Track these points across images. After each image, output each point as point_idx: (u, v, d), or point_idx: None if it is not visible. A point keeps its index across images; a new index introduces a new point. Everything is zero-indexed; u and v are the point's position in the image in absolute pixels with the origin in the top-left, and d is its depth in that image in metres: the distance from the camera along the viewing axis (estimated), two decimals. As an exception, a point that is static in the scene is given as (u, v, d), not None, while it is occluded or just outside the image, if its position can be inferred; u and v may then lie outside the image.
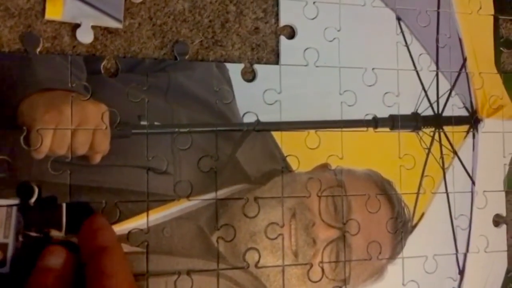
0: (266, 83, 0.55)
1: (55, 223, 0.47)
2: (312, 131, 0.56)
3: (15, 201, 0.47)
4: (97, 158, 0.49)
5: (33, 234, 0.47)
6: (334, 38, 0.57)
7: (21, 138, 0.47)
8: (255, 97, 0.54)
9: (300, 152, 0.55)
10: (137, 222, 0.50)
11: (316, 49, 0.56)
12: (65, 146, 0.48)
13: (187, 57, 0.53)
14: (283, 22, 0.56)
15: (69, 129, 0.48)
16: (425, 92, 0.60)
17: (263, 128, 0.54)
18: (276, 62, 0.56)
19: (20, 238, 0.47)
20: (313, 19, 0.56)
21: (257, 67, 0.55)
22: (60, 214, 0.47)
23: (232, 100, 0.54)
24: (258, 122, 0.54)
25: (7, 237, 0.46)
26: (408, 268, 0.57)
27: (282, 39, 0.56)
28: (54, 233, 0.47)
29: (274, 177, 0.54)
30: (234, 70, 0.54)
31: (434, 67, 0.61)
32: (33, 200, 0.47)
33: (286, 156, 0.55)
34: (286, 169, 0.55)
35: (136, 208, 0.50)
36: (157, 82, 0.52)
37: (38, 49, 0.49)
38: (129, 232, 0.50)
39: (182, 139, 0.52)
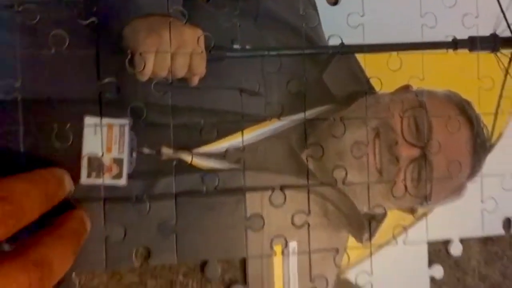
0: (349, 6, 0.56)
1: (165, 141, 0.51)
2: (394, 53, 0.57)
3: (126, 120, 0.50)
4: (195, 80, 0.52)
5: (146, 150, 0.51)
6: (415, -39, 0.58)
7: (126, 61, 0.50)
8: (339, 20, 0.56)
9: (383, 74, 0.57)
10: (233, 141, 0.53)
11: (397, -29, 0.58)
12: (166, 68, 0.51)
13: (274, -18, 0.55)
14: None
15: (169, 53, 0.51)
16: (503, 13, 0.61)
17: (348, 51, 0.56)
18: (359, -15, 0.57)
19: (134, 154, 0.51)
20: None
21: (340, -9, 0.57)
22: (169, 132, 0.51)
23: (317, 23, 0.56)
24: (342, 44, 0.56)
25: (122, 153, 0.50)
26: (487, 185, 0.59)
27: (364, -38, 0.57)
28: (165, 150, 0.51)
29: (358, 98, 0.57)
30: (319, -6, 0.56)
31: (511, -12, 0.61)
32: (142, 119, 0.50)
33: (370, 78, 0.57)
34: (370, 90, 0.57)
35: (231, 127, 0.53)
36: (247, 7, 0.54)
37: (137, -24, 0.51)
38: (226, 150, 0.53)
39: (272, 62, 0.54)
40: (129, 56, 0.50)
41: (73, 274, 0.49)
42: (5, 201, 0.37)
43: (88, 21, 0.49)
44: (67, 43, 0.49)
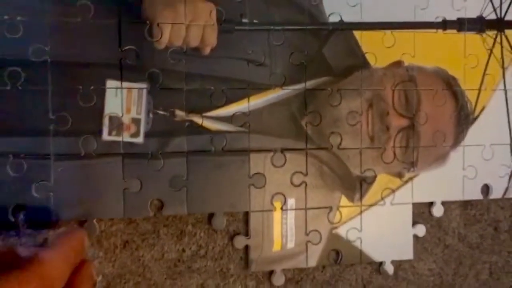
0: (349, -14, 0.62)
1: (178, 104, 0.56)
2: (388, 32, 0.63)
3: (144, 84, 0.56)
4: (207, 50, 0.57)
5: (161, 112, 0.56)
6: None
7: (145, 30, 0.55)
8: (340, -1, 0.62)
9: (377, 50, 0.62)
10: (240, 106, 0.59)
11: (394, -45, 0.63)
12: (181, 38, 0.56)
13: (280, -38, 0.60)
14: None
15: (184, 24, 0.56)
16: (490, -3, 0.66)
17: (346, 27, 0.61)
18: (358, -33, 0.62)
19: (151, 115, 0.56)
20: None
21: (341, -28, 0.62)
22: (182, 97, 0.57)
23: (319, 1, 0.61)
24: (342, 22, 0.61)
25: (140, 113, 0.56)
26: (468, 155, 0.65)
27: None
28: (179, 112, 0.57)
29: (354, 71, 0.62)
30: (321, -26, 0.61)
31: (499, -26, 0.66)
32: (158, 84, 0.56)
33: (365, 53, 0.62)
34: (365, 64, 0.62)
35: (239, 94, 0.59)
36: (256, -16, 0.59)
37: (156, -47, 0.56)
38: (233, 114, 0.58)
39: (277, 36, 0.59)
40: (147, 26, 0.55)
41: (94, 220, 0.55)
42: None
43: (111, -7, 0.55)
44: (92, 13, 0.54)
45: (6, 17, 0.52)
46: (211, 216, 0.59)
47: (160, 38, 0.55)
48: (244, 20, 0.58)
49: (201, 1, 0.56)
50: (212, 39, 0.57)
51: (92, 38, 0.55)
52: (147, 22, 0.55)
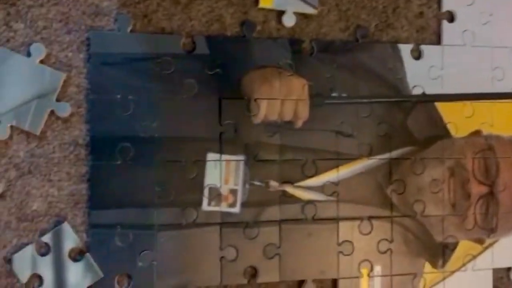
0: (430, 60, 0.64)
1: (272, 175, 0.59)
2: (467, 102, 0.65)
3: (242, 157, 0.58)
4: (300, 123, 0.60)
5: (256, 183, 0.59)
6: (488, 21, 0.66)
7: (244, 106, 0.58)
8: (422, 72, 0.64)
9: (458, 120, 0.65)
10: (329, 176, 0.61)
11: (472, 31, 0.65)
12: (276, 113, 0.59)
13: (366, 39, 0.63)
14: (444, 7, 0.65)
15: (279, 100, 0.59)
16: None
17: (428, 99, 0.64)
18: (439, 42, 0.65)
19: (247, 186, 0.58)
20: (470, 5, 0.65)
21: (423, 47, 0.64)
22: (276, 168, 0.59)
23: (403, 75, 0.64)
24: (424, 94, 0.64)
25: (237, 184, 0.58)
26: (546, 220, 0.67)
27: (444, 22, 0.65)
28: (273, 183, 0.59)
29: (437, 141, 0.65)
30: (404, 49, 0.64)
31: None
32: (254, 156, 0.58)
33: (446, 124, 0.65)
34: (446, 134, 0.65)
35: (328, 164, 0.61)
36: (344, 60, 0.62)
37: (254, 33, 0.59)
38: (324, 184, 0.61)
39: (364, 108, 0.62)
40: (246, 102, 0.58)
41: (191, 289, 0.57)
42: None
43: (213, 72, 0.58)
44: (196, 91, 0.58)
45: (118, 96, 0.56)
46: (301, 283, 0.60)
47: (258, 112, 0.59)
48: (334, 94, 0.61)
49: (295, 77, 0.60)
50: (304, 113, 0.60)
51: (195, 114, 0.58)
52: (245, 98, 0.59)
